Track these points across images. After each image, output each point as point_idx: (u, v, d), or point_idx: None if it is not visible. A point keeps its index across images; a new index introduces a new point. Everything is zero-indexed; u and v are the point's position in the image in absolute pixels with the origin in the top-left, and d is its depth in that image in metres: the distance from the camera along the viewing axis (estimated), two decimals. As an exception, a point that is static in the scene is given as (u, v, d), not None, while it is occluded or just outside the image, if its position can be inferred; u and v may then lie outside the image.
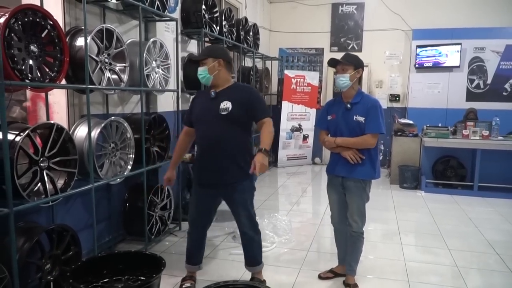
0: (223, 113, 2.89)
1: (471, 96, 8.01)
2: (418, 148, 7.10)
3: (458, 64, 7.89)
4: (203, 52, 3.25)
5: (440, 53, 7.94)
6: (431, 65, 8.01)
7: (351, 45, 8.81)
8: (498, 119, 6.41)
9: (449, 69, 8.01)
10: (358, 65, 3.11)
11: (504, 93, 7.88)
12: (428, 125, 6.86)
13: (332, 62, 3.11)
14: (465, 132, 6.41)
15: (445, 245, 4.28)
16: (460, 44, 7.83)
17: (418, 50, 8.07)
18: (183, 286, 3.20)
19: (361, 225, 3.18)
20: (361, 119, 3.04)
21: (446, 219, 5.20)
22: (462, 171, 6.78)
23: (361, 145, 3.05)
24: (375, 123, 3.02)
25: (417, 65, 8.12)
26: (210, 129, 2.95)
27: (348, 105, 3.11)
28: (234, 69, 2.88)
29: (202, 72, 2.97)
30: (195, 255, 3.25)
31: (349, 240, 3.25)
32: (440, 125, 6.89)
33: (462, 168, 6.79)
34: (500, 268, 3.75)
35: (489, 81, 7.92)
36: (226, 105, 2.89)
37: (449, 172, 6.81)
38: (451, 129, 6.68)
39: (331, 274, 3.48)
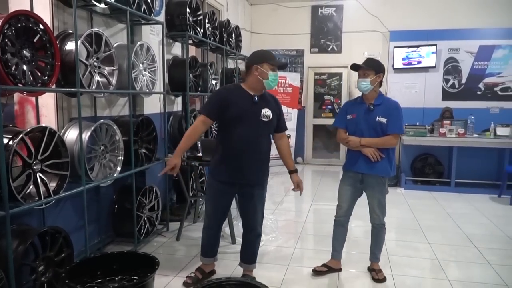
0: (264, 119, 3.08)
1: (446, 95, 8.28)
2: (397, 146, 7.29)
3: (434, 65, 8.14)
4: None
5: (420, 55, 8.18)
6: (416, 63, 8.24)
7: (331, 47, 8.98)
8: (473, 117, 6.68)
9: (425, 69, 8.26)
10: (379, 70, 3.28)
11: (478, 92, 8.17)
12: (406, 124, 7.07)
13: (355, 67, 3.34)
14: (442, 130, 6.65)
15: (426, 239, 4.46)
16: (435, 45, 8.09)
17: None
18: (189, 274, 3.42)
19: (382, 217, 3.39)
20: (384, 120, 3.21)
21: (425, 215, 5.39)
22: (440, 168, 7.02)
23: (384, 145, 3.24)
24: (397, 124, 3.22)
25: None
26: (251, 131, 3.06)
27: (371, 106, 3.28)
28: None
29: (275, 77, 3.11)
30: (211, 248, 3.40)
31: (372, 232, 3.48)
32: (418, 124, 7.11)
33: (440, 165, 7.02)
34: (479, 261, 3.93)
35: (463, 81, 8.20)
36: (268, 113, 3.08)
37: (427, 169, 7.05)
38: (429, 127, 6.91)
39: (325, 268, 3.57)
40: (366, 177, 3.32)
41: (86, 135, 3.22)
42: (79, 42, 3.09)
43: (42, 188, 2.76)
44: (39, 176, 2.74)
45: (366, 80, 3.25)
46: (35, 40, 2.69)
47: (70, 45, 3.14)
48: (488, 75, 8.11)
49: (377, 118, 3.23)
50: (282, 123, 3.24)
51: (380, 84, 3.34)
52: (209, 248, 3.39)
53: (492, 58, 8.04)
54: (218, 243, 3.44)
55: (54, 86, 3.07)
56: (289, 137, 8.80)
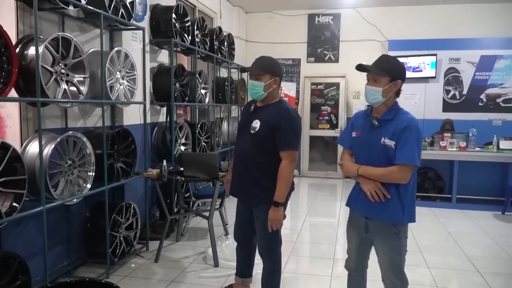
0: (251, 131, 2.81)
1: (447, 106, 7.97)
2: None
3: (434, 75, 7.85)
4: (259, 65, 2.84)
5: (418, 65, 7.89)
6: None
7: (328, 56, 8.73)
8: (475, 130, 6.36)
9: (425, 80, 7.97)
10: (396, 75, 2.33)
11: (480, 104, 7.86)
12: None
13: (361, 68, 2.39)
14: (442, 143, 6.34)
15: (424, 262, 4.12)
16: (435, 55, 7.81)
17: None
18: None
19: (399, 285, 2.41)
20: (391, 143, 2.28)
21: (424, 234, 5.05)
22: (440, 183, 6.69)
23: (387, 179, 2.30)
24: (408, 150, 2.23)
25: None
26: (241, 143, 2.93)
27: (375, 122, 2.37)
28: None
29: (257, 87, 2.77)
30: (238, 266, 3.23)
31: None
32: (417, 136, 6.79)
33: (440, 180, 6.70)
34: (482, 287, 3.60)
35: (464, 92, 7.89)
36: (256, 124, 2.80)
37: (427, 184, 6.71)
38: (428, 140, 6.60)
39: None
40: (371, 223, 2.40)
41: (49, 149, 2.93)
42: (42, 47, 2.81)
43: (-8, 209, 2.47)
44: (-11, 196, 2.45)
45: (376, 90, 2.33)
46: (-14, 44, 2.43)
47: (33, 50, 2.85)
48: (490, 86, 7.80)
49: (383, 139, 2.30)
50: (279, 140, 2.72)
51: (397, 93, 2.40)
52: (236, 265, 3.25)
53: (494, 69, 7.74)
54: (243, 263, 3.20)
55: (14, 95, 2.82)
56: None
